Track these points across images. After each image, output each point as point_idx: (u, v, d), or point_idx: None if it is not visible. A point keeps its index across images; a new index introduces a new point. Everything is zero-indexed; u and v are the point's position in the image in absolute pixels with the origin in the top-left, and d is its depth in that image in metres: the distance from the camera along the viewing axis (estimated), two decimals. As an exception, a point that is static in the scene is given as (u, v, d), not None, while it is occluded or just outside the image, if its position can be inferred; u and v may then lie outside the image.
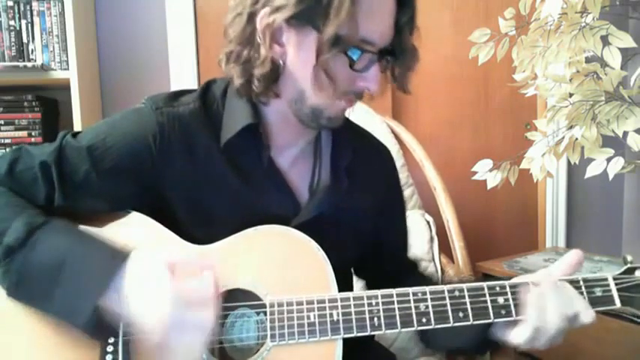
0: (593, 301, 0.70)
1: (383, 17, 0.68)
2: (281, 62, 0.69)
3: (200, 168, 0.74)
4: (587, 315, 0.68)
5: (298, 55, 0.68)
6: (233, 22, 0.71)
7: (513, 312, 0.69)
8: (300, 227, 0.73)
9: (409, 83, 0.75)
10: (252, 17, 0.68)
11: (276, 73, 0.70)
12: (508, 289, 0.70)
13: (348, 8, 0.62)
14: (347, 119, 0.78)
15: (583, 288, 0.71)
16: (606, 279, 0.72)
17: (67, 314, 0.62)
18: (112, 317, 0.62)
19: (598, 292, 0.71)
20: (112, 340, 0.66)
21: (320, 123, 0.73)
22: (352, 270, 0.92)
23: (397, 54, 0.72)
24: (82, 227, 0.70)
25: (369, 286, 0.91)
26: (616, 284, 0.72)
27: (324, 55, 0.65)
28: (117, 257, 0.63)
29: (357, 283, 0.93)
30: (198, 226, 0.74)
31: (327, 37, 0.63)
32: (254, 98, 0.73)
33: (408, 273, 0.92)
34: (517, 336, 0.68)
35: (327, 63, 0.66)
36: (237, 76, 0.71)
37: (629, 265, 0.73)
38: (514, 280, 0.71)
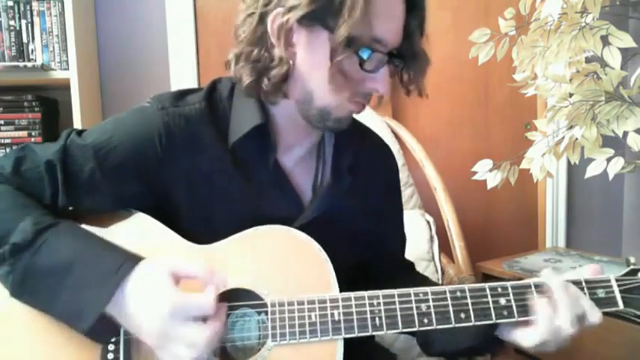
0: (596, 303, 0.70)
1: (394, 18, 0.68)
2: (290, 62, 0.69)
3: (205, 168, 0.74)
4: (594, 315, 0.67)
5: (309, 55, 0.68)
6: (244, 22, 0.70)
7: (515, 313, 0.69)
8: (302, 228, 0.73)
9: (418, 88, 0.75)
10: (263, 18, 0.68)
11: (286, 73, 0.69)
12: (510, 290, 0.70)
13: (362, 8, 0.62)
14: (352, 118, 0.78)
15: (585, 289, 0.70)
16: (609, 280, 0.71)
17: (71, 318, 0.63)
18: (113, 323, 0.63)
19: (600, 293, 0.71)
20: (113, 339, 0.66)
21: (327, 125, 0.72)
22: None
23: (406, 58, 0.73)
24: (90, 229, 0.70)
25: (363, 285, 0.90)
26: (619, 285, 0.71)
27: (336, 55, 0.65)
28: (125, 264, 0.63)
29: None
30: (201, 225, 0.74)
31: (339, 37, 0.63)
32: (262, 98, 0.73)
33: (404, 273, 0.92)
34: (527, 339, 0.67)
35: (339, 64, 0.65)
36: (246, 75, 0.71)
37: (632, 267, 0.73)
38: (517, 282, 0.71)
